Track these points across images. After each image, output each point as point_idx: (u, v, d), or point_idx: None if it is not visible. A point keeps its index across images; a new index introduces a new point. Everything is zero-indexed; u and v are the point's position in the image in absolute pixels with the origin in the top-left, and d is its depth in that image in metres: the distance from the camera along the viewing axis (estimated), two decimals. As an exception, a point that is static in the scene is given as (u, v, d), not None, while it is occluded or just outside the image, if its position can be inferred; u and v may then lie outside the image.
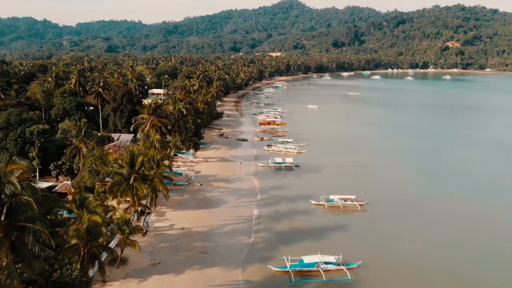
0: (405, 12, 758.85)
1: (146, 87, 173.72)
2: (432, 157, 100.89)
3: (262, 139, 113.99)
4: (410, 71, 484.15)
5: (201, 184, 72.87)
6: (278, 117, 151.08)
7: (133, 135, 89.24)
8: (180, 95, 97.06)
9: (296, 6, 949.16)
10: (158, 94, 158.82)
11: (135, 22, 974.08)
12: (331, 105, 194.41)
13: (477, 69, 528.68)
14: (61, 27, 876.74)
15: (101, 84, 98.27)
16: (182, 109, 76.22)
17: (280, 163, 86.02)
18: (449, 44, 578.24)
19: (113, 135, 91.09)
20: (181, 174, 77.27)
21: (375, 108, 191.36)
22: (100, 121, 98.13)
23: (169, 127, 71.02)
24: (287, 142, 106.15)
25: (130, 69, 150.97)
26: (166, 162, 49.83)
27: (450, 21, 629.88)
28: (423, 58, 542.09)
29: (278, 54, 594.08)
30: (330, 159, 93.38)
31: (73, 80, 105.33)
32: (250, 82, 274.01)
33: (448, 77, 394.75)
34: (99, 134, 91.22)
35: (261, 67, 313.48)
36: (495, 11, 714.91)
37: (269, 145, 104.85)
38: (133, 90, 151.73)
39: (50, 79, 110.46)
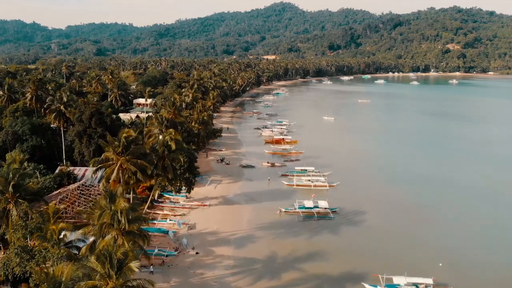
0: (401, 15, 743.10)
1: (131, 96, 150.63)
2: (499, 191, 77.41)
3: (273, 165, 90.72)
4: (412, 74, 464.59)
5: (197, 253, 49.63)
6: (285, 132, 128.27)
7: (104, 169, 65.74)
8: (168, 113, 74.05)
9: (289, 9, 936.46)
10: (145, 105, 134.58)
11: (126, 25, 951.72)
12: (347, 116, 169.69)
13: (480, 72, 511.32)
14: (50, 30, 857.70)
15: (64, 99, 74.45)
16: (169, 143, 52.95)
17: (310, 208, 62.36)
18: (450, 46, 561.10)
19: (76, 170, 67.67)
20: (166, 232, 53.97)
21: (397, 119, 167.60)
22: (63, 149, 74.48)
23: (149, 172, 47.85)
24: (307, 170, 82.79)
25: (110, 77, 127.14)
26: (134, 265, 27.00)
27: (449, 23, 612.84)
28: (424, 61, 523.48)
29: (273, 57, 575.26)
30: (371, 197, 70.44)
31: (29, 95, 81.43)
32: (248, 88, 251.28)
33: (455, 81, 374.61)
34: (60, 167, 67.94)
35: (258, 72, 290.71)
36: (492, 13, 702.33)
37: (285, 175, 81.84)
38: (113, 101, 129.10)
39: (1, 92, 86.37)
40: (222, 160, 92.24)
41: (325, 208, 62.36)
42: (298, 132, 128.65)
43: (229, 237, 54.34)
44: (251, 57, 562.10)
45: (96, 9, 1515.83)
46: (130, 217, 33.92)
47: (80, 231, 38.08)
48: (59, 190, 59.28)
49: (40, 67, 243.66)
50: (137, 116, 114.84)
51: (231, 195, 70.90)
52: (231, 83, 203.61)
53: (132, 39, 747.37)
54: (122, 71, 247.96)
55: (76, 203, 55.32)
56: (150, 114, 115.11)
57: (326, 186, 75.40)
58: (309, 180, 76.77)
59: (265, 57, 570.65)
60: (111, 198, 35.76)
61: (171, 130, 68.59)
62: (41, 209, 44.04)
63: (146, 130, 74.61)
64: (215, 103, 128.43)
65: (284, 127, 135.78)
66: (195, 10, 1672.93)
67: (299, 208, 62.81)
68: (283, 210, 63.11)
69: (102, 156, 48.61)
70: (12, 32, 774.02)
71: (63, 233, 41.42)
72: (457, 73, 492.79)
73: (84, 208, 54.54)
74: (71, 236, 42.52)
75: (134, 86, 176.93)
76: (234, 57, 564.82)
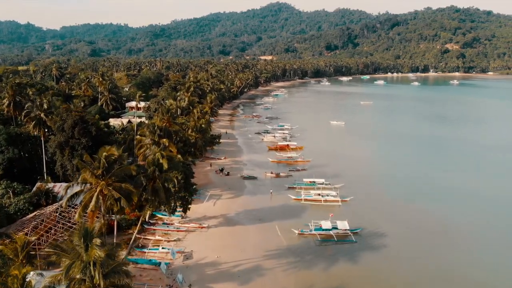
0: (398, 14, 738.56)
1: (124, 99, 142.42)
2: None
3: (278, 175, 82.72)
4: (411, 75, 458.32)
5: (195, 292, 41.72)
6: (289, 137, 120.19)
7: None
8: (161, 121, 66.08)
9: (285, 9, 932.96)
10: (137, 108, 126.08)
11: (121, 26, 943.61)
12: (350, 119, 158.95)
13: (479, 72, 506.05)
14: (45, 31, 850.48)
15: (45, 106, 66.24)
16: (161, 161, 44.64)
17: (328, 229, 54.28)
18: (448, 46, 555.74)
19: (56, 187, 59.39)
20: (158, 264, 45.86)
21: (405, 122, 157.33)
22: (44, 161, 66.26)
23: (135, 198, 39.55)
24: (315, 182, 74.70)
25: (100, 79, 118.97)
26: None
27: (447, 23, 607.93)
28: (422, 62, 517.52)
29: (270, 57, 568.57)
30: (392, 215, 62.70)
31: (6, 101, 73.12)
32: (246, 90, 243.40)
33: (455, 82, 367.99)
34: (37, 184, 59.76)
35: (256, 73, 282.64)
36: (489, 13, 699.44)
37: (292, 188, 74.02)
38: (104, 105, 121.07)
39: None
40: (221, 171, 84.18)
41: (345, 230, 54.28)
42: (301, 137, 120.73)
43: (232, 269, 46.33)
44: (247, 57, 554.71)
45: (95, 9, 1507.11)
46: (107, 269, 25.98)
47: (48, 279, 30.01)
48: (34, 213, 51.22)
49: (31, 68, 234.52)
50: (129, 121, 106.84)
51: (233, 213, 62.91)
52: (228, 84, 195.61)
53: (127, 39, 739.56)
54: (116, 72, 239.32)
55: (53, 230, 47.15)
56: (143, 119, 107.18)
57: (338, 201, 67.48)
58: (319, 194, 68.81)
59: (262, 57, 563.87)
60: (85, 239, 27.72)
61: (164, 140, 60.82)
62: (4, 246, 36.15)
63: (137, 140, 66.56)
64: (213, 107, 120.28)
65: (287, 131, 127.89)
66: (191, 10, 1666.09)
67: (315, 229, 54.79)
68: (296, 231, 55.14)
69: (79, 179, 40.38)
70: (6, 33, 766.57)
71: (30, 274, 33.58)
72: (457, 73, 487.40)
73: (61, 236, 46.61)
74: (40, 281, 34.51)
75: (127, 88, 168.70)
76: (231, 57, 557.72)
